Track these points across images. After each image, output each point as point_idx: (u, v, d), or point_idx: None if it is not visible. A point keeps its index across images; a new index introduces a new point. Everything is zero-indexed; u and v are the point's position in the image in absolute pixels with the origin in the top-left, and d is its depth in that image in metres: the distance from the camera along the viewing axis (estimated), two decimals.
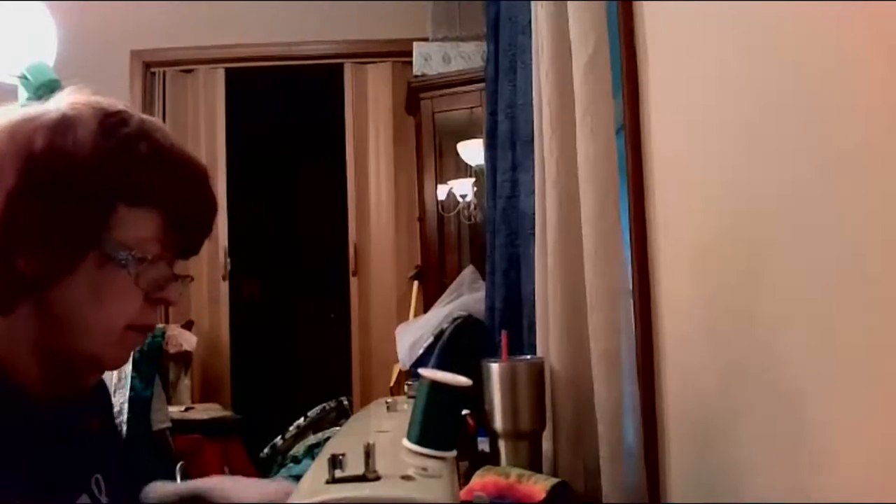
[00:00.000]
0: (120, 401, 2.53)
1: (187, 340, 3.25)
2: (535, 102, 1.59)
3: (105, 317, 0.78)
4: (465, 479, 1.22)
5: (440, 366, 2.16)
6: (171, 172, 0.81)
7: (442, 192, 3.23)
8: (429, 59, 3.23)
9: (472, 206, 3.14)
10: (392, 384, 3.13)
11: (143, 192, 0.79)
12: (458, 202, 3.18)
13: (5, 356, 0.76)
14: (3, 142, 0.76)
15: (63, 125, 0.77)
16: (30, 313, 0.76)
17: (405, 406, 1.55)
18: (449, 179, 3.24)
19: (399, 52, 3.59)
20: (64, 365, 0.79)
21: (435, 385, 1.25)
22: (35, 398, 0.78)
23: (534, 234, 1.61)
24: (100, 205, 0.77)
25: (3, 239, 0.73)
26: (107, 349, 0.80)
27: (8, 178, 0.74)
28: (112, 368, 0.85)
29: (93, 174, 0.76)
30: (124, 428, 2.45)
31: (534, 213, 1.61)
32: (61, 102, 0.80)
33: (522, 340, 1.74)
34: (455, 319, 2.55)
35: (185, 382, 3.36)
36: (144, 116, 0.83)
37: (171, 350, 3.15)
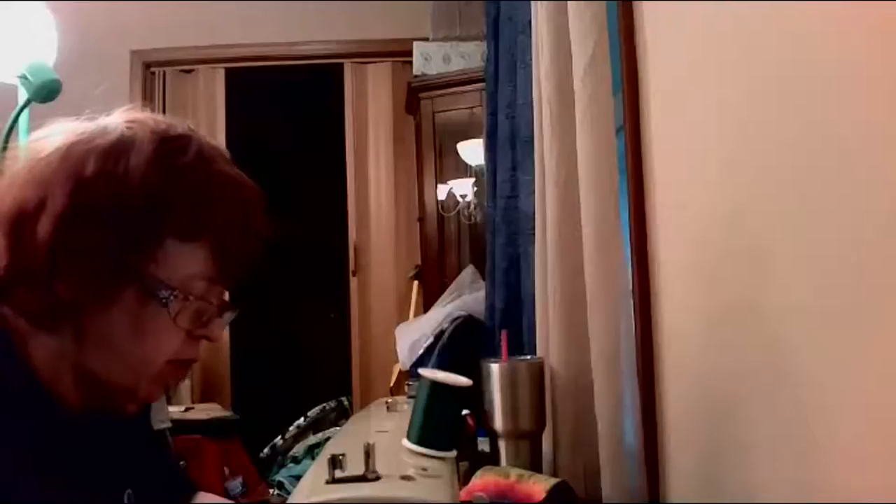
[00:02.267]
0: None
1: None
2: (535, 102, 1.59)
3: (143, 352, 0.77)
4: (464, 479, 1.22)
5: (440, 366, 2.17)
6: (224, 207, 0.78)
7: (442, 192, 3.23)
8: (429, 59, 3.23)
9: (472, 206, 3.14)
10: (392, 384, 3.13)
11: (194, 227, 0.76)
12: (458, 202, 3.18)
13: (51, 372, 0.76)
14: (56, 163, 0.74)
15: (117, 149, 0.74)
16: (71, 336, 0.75)
17: (405, 406, 1.55)
18: (449, 179, 3.24)
19: (399, 52, 3.59)
20: (101, 391, 0.77)
21: (435, 385, 1.25)
22: (72, 413, 0.77)
23: (534, 234, 1.61)
24: (146, 237, 0.74)
25: (47, 260, 0.71)
26: (143, 382, 0.79)
27: (57, 200, 0.72)
28: (147, 402, 0.84)
29: (141, 205, 0.73)
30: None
31: (534, 213, 1.61)
32: (120, 121, 0.78)
33: (522, 340, 1.74)
34: (455, 319, 2.55)
35: (185, 382, 3.36)
36: (204, 142, 0.80)
37: None
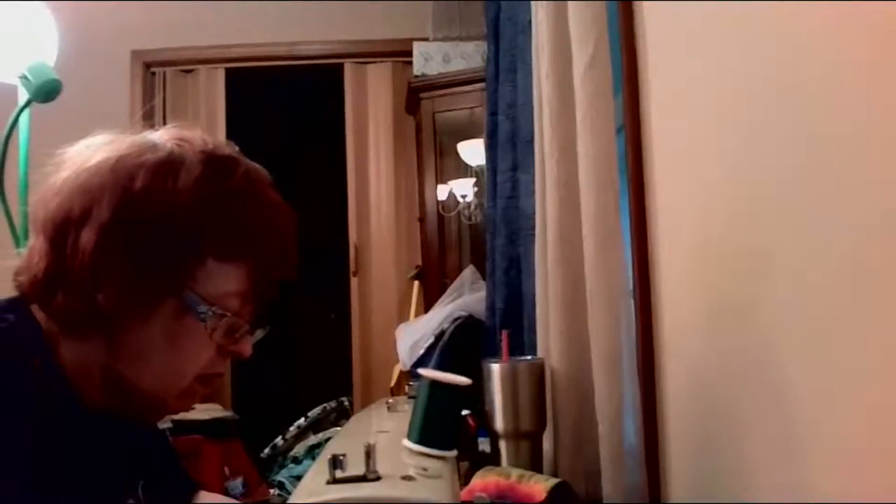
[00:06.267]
0: None
1: None
2: (535, 102, 1.59)
3: (175, 366, 0.78)
4: (465, 479, 1.22)
5: (441, 366, 2.17)
6: (265, 231, 0.80)
7: (442, 192, 3.23)
8: (429, 59, 3.23)
9: (473, 206, 3.14)
10: (392, 384, 3.12)
11: (235, 248, 0.78)
12: (459, 202, 3.18)
13: (79, 375, 0.76)
14: (105, 174, 0.75)
15: (167, 166, 0.75)
16: (103, 344, 0.76)
17: (405, 406, 1.55)
18: (449, 179, 3.24)
19: (399, 52, 3.58)
20: (130, 400, 0.78)
21: (435, 385, 1.25)
22: (88, 410, 0.78)
23: (534, 234, 1.61)
24: (188, 255, 0.75)
25: (89, 270, 0.72)
26: (171, 396, 0.80)
27: (104, 211, 0.73)
28: (174, 413, 0.85)
29: (187, 224, 0.75)
30: None
31: (534, 213, 1.61)
32: (168, 137, 0.79)
33: (523, 340, 1.74)
34: (455, 319, 2.55)
35: None
36: (250, 165, 0.82)
37: None
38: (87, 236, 0.72)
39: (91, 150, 0.77)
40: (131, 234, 0.73)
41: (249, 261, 0.79)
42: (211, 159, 0.78)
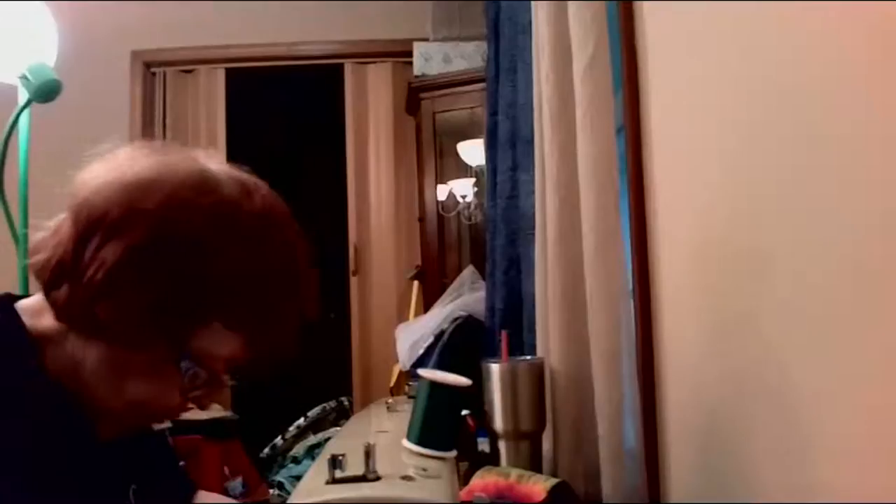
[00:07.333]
0: None
1: None
2: (535, 102, 1.59)
3: (140, 399, 0.77)
4: (465, 479, 1.22)
5: (440, 366, 2.17)
6: (283, 314, 0.79)
7: (442, 192, 3.23)
8: (429, 60, 3.23)
9: (473, 206, 3.14)
10: (392, 384, 3.12)
11: (246, 321, 0.77)
12: (459, 202, 3.18)
13: (62, 368, 0.76)
14: (154, 197, 0.72)
15: (218, 220, 0.74)
16: (86, 350, 0.75)
17: (405, 406, 1.56)
18: (449, 179, 3.24)
19: (399, 52, 3.59)
20: (90, 408, 0.78)
21: (435, 385, 1.25)
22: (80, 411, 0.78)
23: (534, 234, 1.61)
24: (198, 318, 0.75)
25: (99, 282, 0.71)
26: (124, 421, 0.80)
27: (138, 234, 0.71)
28: (121, 434, 0.85)
29: (212, 288, 0.74)
30: None
31: (534, 213, 1.61)
32: (230, 178, 0.77)
33: (522, 340, 1.74)
34: (455, 320, 2.55)
35: None
36: (294, 228, 0.81)
37: None
38: (112, 250, 0.71)
39: (148, 159, 0.75)
40: (153, 272, 0.72)
41: (254, 335, 0.78)
42: (265, 225, 0.77)
